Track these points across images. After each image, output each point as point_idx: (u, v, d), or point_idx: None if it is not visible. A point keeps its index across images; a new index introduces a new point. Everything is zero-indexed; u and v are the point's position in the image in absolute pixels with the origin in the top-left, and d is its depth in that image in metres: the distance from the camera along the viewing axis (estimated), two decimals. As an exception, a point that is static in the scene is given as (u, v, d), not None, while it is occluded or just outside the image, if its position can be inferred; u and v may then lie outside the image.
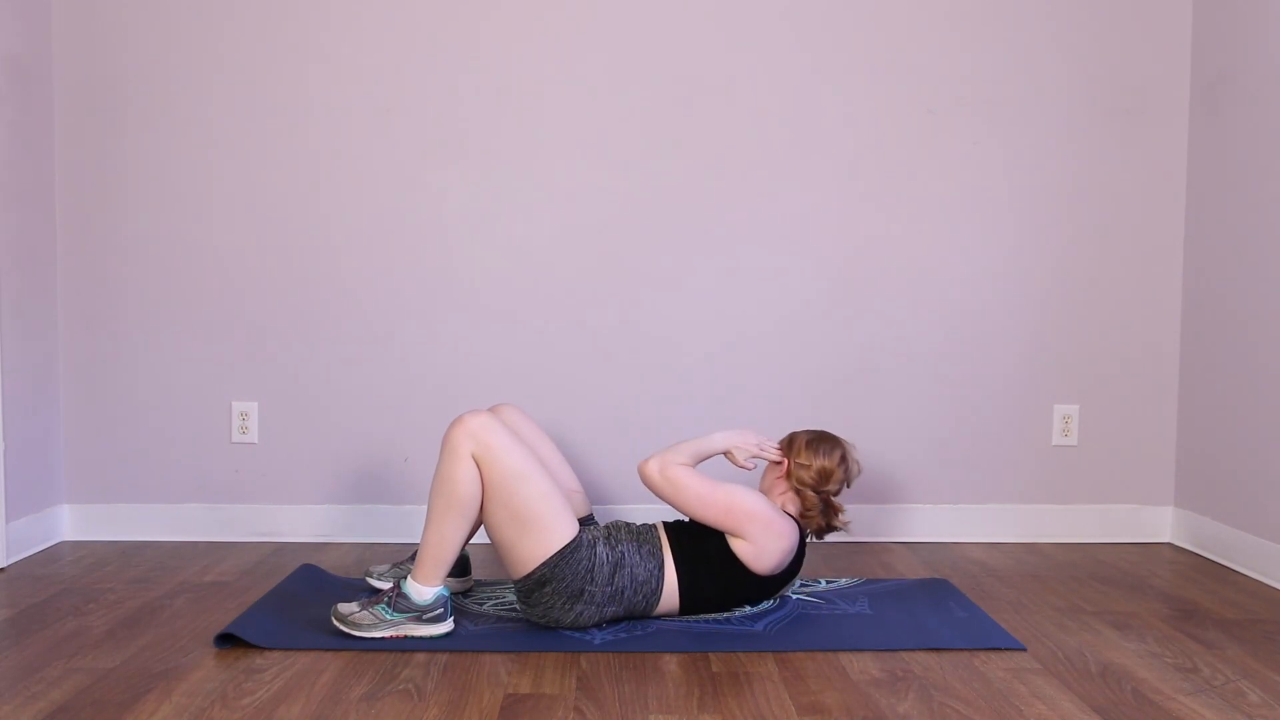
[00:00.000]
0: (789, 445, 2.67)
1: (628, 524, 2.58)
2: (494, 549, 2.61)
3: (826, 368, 3.39)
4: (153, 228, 3.33)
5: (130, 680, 2.16)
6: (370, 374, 3.35)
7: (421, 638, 2.39)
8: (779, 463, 2.67)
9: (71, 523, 3.35)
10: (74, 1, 3.29)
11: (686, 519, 2.63)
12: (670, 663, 2.29)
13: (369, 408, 3.35)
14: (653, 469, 2.53)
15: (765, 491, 2.69)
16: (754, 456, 2.67)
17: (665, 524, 2.59)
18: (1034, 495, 3.42)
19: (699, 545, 2.52)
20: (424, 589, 2.39)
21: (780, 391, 3.38)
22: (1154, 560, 3.21)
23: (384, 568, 2.79)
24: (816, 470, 2.61)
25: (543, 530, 2.37)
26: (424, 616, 2.39)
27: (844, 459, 2.64)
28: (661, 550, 2.51)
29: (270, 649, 2.33)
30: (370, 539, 3.36)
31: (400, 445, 3.36)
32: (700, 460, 2.60)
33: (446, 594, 2.41)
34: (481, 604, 2.69)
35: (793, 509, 2.64)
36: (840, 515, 2.65)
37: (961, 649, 2.38)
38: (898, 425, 3.39)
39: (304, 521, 3.36)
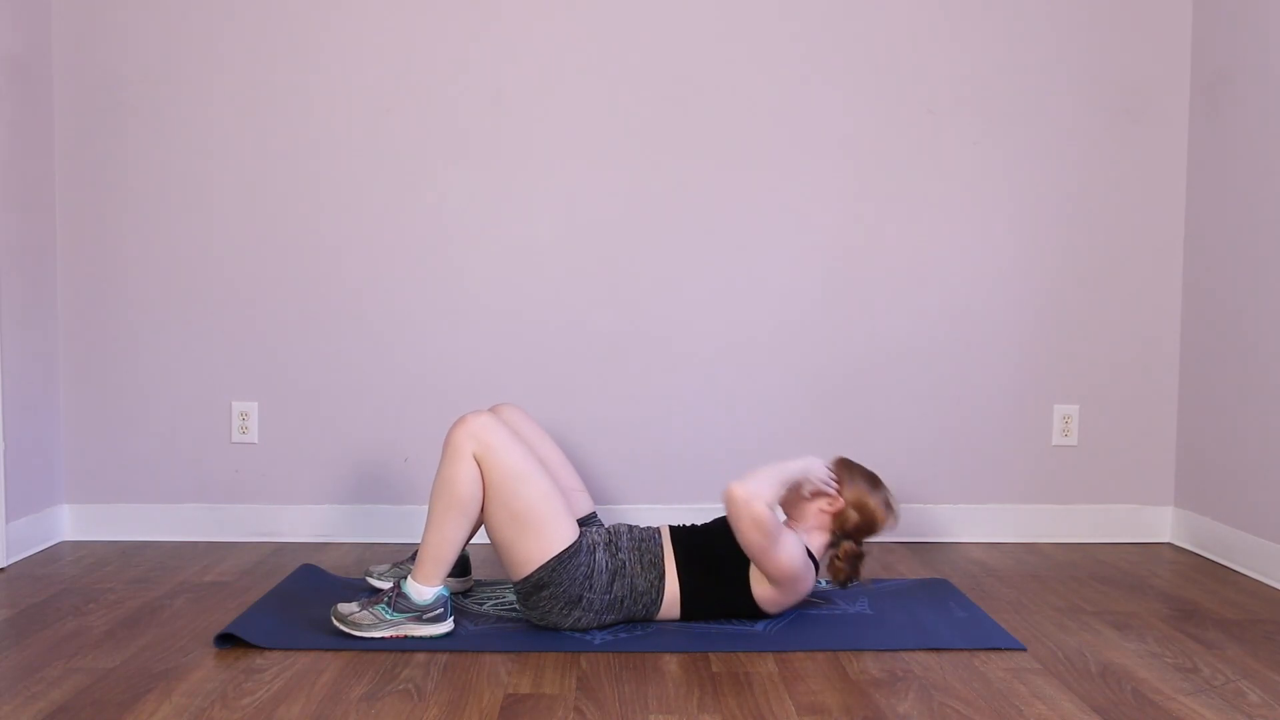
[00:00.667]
0: (845, 480, 2.58)
1: (630, 529, 2.56)
2: (493, 549, 2.61)
3: (827, 367, 3.38)
4: (153, 228, 3.33)
5: (130, 680, 2.16)
6: (370, 374, 3.35)
7: (421, 638, 2.39)
8: (830, 497, 2.58)
9: (71, 523, 3.35)
10: (74, 1, 3.29)
11: (694, 525, 2.61)
12: (670, 663, 2.29)
13: (369, 408, 3.35)
14: (740, 497, 2.36)
15: (795, 514, 2.61)
16: (818, 493, 2.57)
17: (671, 530, 2.57)
18: (1034, 495, 3.42)
19: (710, 567, 2.49)
20: (424, 589, 2.39)
21: (780, 391, 3.38)
22: (1154, 560, 3.21)
23: (384, 568, 2.79)
24: (866, 522, 2.56)
25: (542, 532, 2.37)
26: (424, 616, 2.39)
27: (890, 514, 2.59)
28: (663, 560, 2.49)
29: (270, 649, 2.33)
30: (370, 539, 3.36)
31: (400, 445, 3.36)
32: (785, 487, 2.49)
33: (446, 594, 2.41)
34: (481, 604, 2.69)
35: (816, 543, 2.58)
36: (860, 567, 2.60)
37: (961, 649, 2.38)
38: (898, 425, 3.39)
39: (304, 521, 3.36)
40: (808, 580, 2.48)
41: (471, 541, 3.32)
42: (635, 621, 2.52)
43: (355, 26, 3.31)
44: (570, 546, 2.39)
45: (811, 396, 3.38)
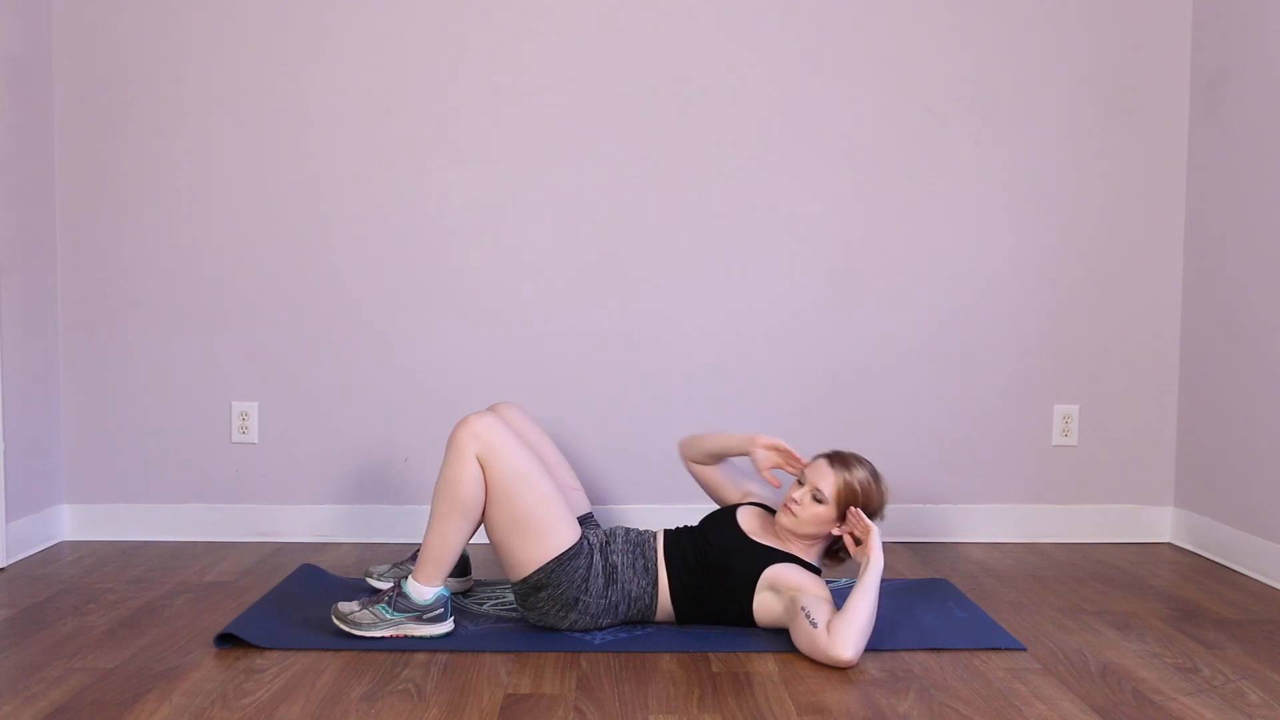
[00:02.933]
0: (856, 502, 2.45)
1: (627, 531, 2.55)
2: (493, 549, 2.59)
3: (826, 367, 3.38)
4: (153, 228, 3.33)
5: (130, 680, 2.16)
6: (370, 374, 3.35)
7: (421, 638, 2.39)
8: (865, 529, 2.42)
9: (71, 523, 3.35)
10: (74, 1, 3.29)
11: (688, 529, 2.58)
12: (670, 663, 2.29)
13: (369, 408, 3.35)
14: (847, 662, 2.24)
15: (791, 535, 2.49)
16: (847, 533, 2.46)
17: (665, 535, 2.55)
18: (1034, 495, 3.42)
19: (706, 580, 2.46)
20: (424, 589, 2.38)
21: (781, 391, 3.38)
22: (1154, 560, 3.21)
23: (384, 568, 2.78)
24: (874, 510, 2.49)
25: (543, 535, 2.37)
26: (424, 616, 2.39)
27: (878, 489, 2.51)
28: (657, 567, 2.48)
29: (270, 649, 2.33)
30: (370, 539, 3.36)
31: (400, 445, 3.36)
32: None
33: (447, 594, 2.41)
34: (481, 604, 2.69)
35: (815, 553, 2.51)
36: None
37: (961, 649, 2.38)
38: (897, 425, 3.39)
39: (304, 521, 3.36)
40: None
41: (473, 543, 3.32)
42: (633, 623, 2.52)
43: (355, 27, 3.31)
44: (570, 549, 2.39)
45: (811, 397, 3.38)
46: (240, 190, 3.32)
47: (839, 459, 2.50)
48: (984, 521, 3.41)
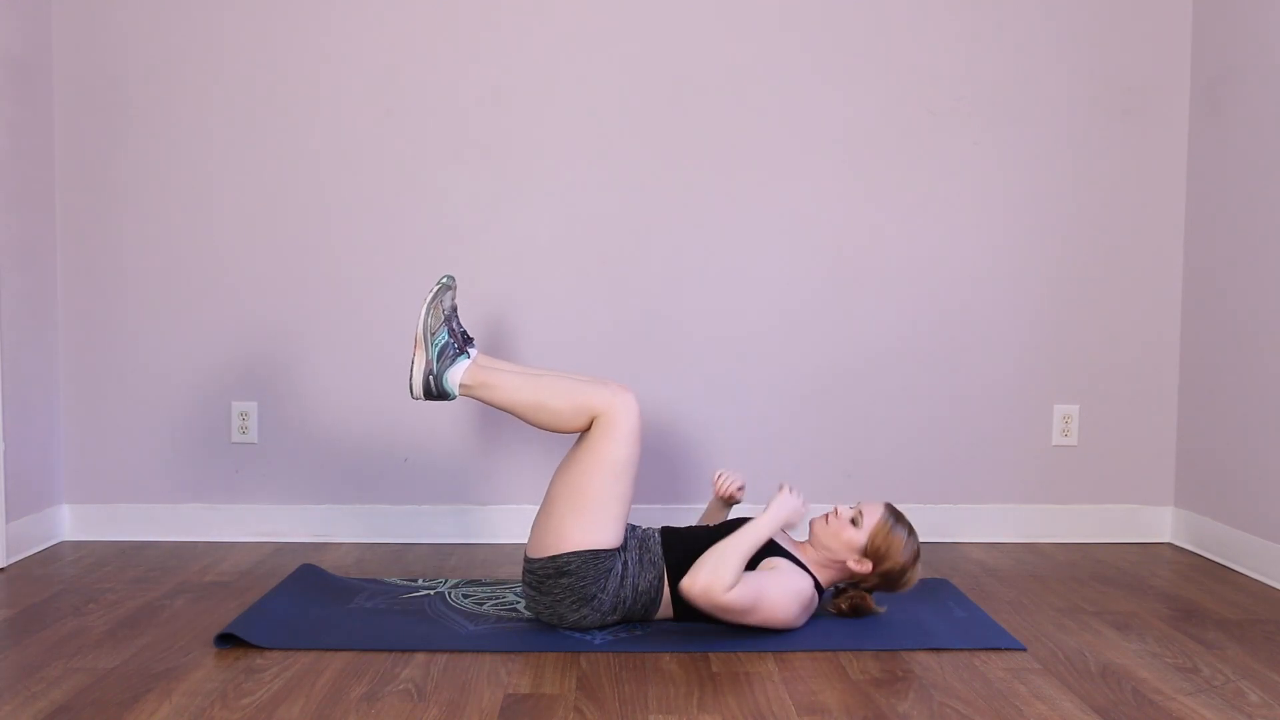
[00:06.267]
0: (884, 540, 2.46)
1: (633, 528, 2.56)
2: (544, 503, 2.50)
3: (826, 367, 3.38)
4: (153, 228, 3.33)
5: (130, 680, 2.16)
6: (370, 374, 3.35)
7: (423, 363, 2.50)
8: (859, 561, 2.47)
9: (71, 523, 3.35)
10: (74, 1, 3.29)
11: (688, 527, 2.60)
12: (670, 663, 2.29)
13: (369, 408, 3.35)
14: (696, 594, 2.33)
15: (817, 541, 2.50)
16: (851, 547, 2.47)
17: (663, 533, 2.55)
18: (1034, 495, 3.42)
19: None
20: (454, 386, 2.50)
21: (780, 391, 3.38)
22: (1154, 560, 3.21)
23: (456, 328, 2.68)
24: (886, 587, 2.51)
25: (594, 525, 2.39)
26: (436, 368, 2.50)
27: (912, 586, 2.53)
28: (660, 560, 2.49)
29: (270, 649, 2.33)
30: (370, 539, 3.36)
31: (400, 445, 3.36)
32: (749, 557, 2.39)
33: (455, 395, 2.53)
34: (481, 604, 2.69)
35: (827, 577, 2.51)
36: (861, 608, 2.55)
37: (961, 649, 2.38)
38: (897, 425, 3.39)
39: (304, 521, 3.36)
40: (806, 616, 2.45)
41: (473, 542, 3.33)
42: (634, 622, 2.52)
43: (355, 27, 3.31)
44: (607, 549, 2.41)
45: (811, 396, 3.38)
46: (240, 190, 3.32)
47: (897, 514, 2.51)
48: (984, 521, 3.41)
